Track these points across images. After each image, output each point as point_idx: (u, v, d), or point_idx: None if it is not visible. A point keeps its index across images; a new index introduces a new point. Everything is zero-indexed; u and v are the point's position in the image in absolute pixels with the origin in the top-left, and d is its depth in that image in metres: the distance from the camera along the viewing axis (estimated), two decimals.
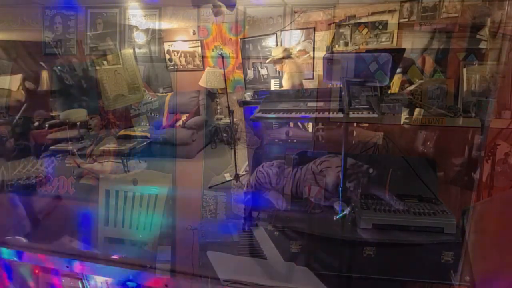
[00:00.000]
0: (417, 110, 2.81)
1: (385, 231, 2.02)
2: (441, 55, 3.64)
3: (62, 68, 5.10)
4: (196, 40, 5.12)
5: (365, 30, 4.07)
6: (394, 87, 3.45)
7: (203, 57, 5.19)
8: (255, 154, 2.98)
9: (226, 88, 4.12)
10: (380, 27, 3.98)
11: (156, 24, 4.77)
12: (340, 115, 2.50)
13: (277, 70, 3.88)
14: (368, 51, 3.67)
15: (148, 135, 4.58)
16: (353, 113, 2.42)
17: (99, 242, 2.28)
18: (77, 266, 1.78)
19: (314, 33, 4.35)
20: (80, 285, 1.81)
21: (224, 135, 5.04)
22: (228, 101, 4.13)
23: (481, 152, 1.16)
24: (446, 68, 3.57)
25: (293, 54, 3.91)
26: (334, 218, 1.60)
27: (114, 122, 5.12)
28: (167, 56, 5.40)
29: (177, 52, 5.32)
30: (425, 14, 3.72)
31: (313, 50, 4.42)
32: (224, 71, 4.07)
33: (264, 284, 1.56)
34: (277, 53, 3.64)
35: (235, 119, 4.03)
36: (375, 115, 2.36)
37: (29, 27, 3.92)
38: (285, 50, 3.64)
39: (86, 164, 4.32)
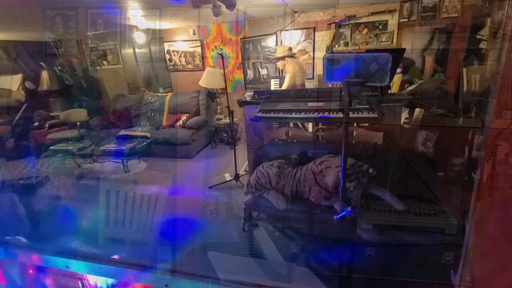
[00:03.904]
0: (417, 110, 2.81)
1: (386, 232, 2.02)
2: (441, 55, 3.65)
3: (62, 68, 5.10)
4: (196, 40, 5.13)
5: (365, 30, 4.07)
6: (394, 87, 3.45)
7: (203, 57, 5.19)
8: (255, 154, 2.98)
9: (226, 88, 4.12)
10: (380, 27, 3.98)
11: (156, 24, 4.78)
12: (340, 115, 2.50)
13: (280, 69, 3.87)
14: (368, 51, 3.68)
15: (148, 135, 4.58)
16: (353, 113, 2.43)
17: (99, 242, 2.28)
18: (77, 266, 1.78)
19: (314, 33, 4.35)
20: (80, 285, 1.81)
21: (224, 135, 5.04)
22: (228, 101, 4.13)
23: (481, 152, 1.15)
24: (446, 68, 3.57)
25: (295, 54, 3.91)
26: (334, 218, 1.59)
27: (114, 122, 5.12)
28: (167, 56, 5.40)
29: (177, 52, 5.32)
30: (425, 14, 3.72)
31: (313, 50, 4.42)
32: (224, 71, 4.07)
33: (264, 284, 1.56)
34: (281, 51, 3.63)
35: (235, 119, 4.03)
36: (375, 115, 2.36)
37: (30, 27, 3.92)
38: (290, 49, 3.63)
39: (86, 164, 4.32)
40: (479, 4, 3.31)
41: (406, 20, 3.84)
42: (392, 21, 3.91)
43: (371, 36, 4.05)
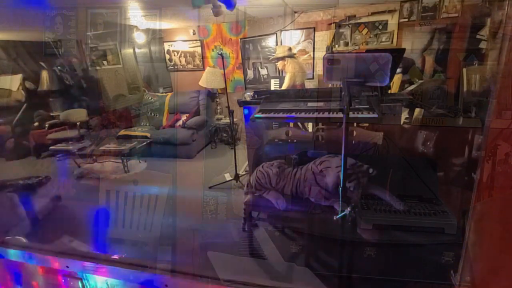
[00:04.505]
0: (417, 110, 2.82)
1: (386, 232, 2.01)
2: (441, 55, 3.65)
3: (62, 68, 5.10)
4: (196, 40, 5.12)
5: (365, 30, 4.07)
6: (394, 87, 3.46)
7: (203, 57, 5.19)
8: (255, 154, 2.98)
9: (226, 88, 4.12)
10: (380, 27, 3.98)
11: (156, 24, 4.78)
12: (340, 115, 2.51)
13: (280, 69, 3.87)
14: (368, 51, 3.68)
15: (148, 135, 4.58)
16: (353, 113, 2.43)
17: (100, 242, 2.28)
18: (77, 266, 1.78)
19: (314, 33, 4.35)
20: (80, 285, 1.81)
21: (224, 135, 5.04)
22: (228, 101, 4.13)
23: (481, 152, 1.15)
24: (446, 68, 3.57)
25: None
26: (334, 218, 1.60)
27: (114, 122, 5.12)
28: (167, 56, 5.40)
29: (177, 52, 5.32)
30: (425, 14, 3.72)
31: (313, 50, 4.42)
32: (224, 71, 4.07)
33: (264, 284, 1.56)
34: (281, 51, 3.63)
35: (235, 119, 4.03)
36: (375, 115, 2.37)
37: (30, 27, 3.92)
38: (289, 49, 3.63)
39: (86, 164, 4.32)
40: (479, 4, 3.31)
41: (406, 20, 3.84)
42: (392, 21, 3.91)
43: (371, 36, 4.05)
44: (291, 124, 3.26)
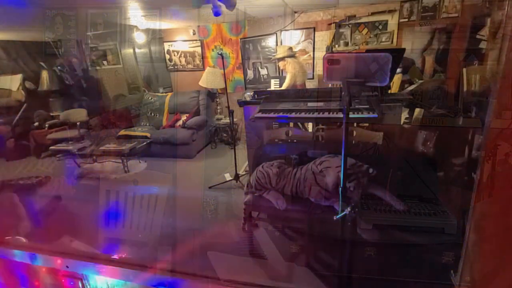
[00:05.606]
0: (417, 110, 2.82)
1: (386, 231, 2.02)
2: (441, 55, 3.65)
3: (62, 68, 5.10)
4: (196, 40, 5.12)
5: (365, 30, 4.07)
6: (394, 87, 3.46)
7: (203, 57, 5.19)
8: (255, 154, 2.98)
9: (226, 88, 4.12)
10: (380, 27, 3.98)
11: (156, 24, 4.79)
12: (340, 115, 2.51)
13: (281, 69, 3.87)
14: (368, 51, 3.68)
15: (148, 135, 4.58)
16: (353, 113, 2.43)
17: (99, 242, 2.28)
18: (77, 266, 1.78)
19: (314, 33, 4.35)
20: (80, 285, 1.81)
21: (224, 135, 5.04)
22: (228, 101, 4.13)
23: (481, 152, 1.15)
24: (446, 68, 3.57)
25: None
26: (334, 218, 1.59)
27: (114, 122, 5.12)
28: (167, 56, 5.40)
29: (177, 52, 5.32)
30: (425, 14, 3.72)
31: (313, 50, 4.42)
32: (224, 71, 4.07)
33: (264, 284, 1.56)
34: (282, 51, 3.62)
35: (235, 119, 4.03)
36: (375, 115, 2.37)
37: (30, 27, 3.92)
38: (290, 49, 3.63)
39: (86, 164, 4.32)
40: (479, 4, 3.31)
41: (406, 20, 3.84)
42: (392, 21, 3.91)
43: (371, 36, 4.05)
44: (291, 124, 3.26)
